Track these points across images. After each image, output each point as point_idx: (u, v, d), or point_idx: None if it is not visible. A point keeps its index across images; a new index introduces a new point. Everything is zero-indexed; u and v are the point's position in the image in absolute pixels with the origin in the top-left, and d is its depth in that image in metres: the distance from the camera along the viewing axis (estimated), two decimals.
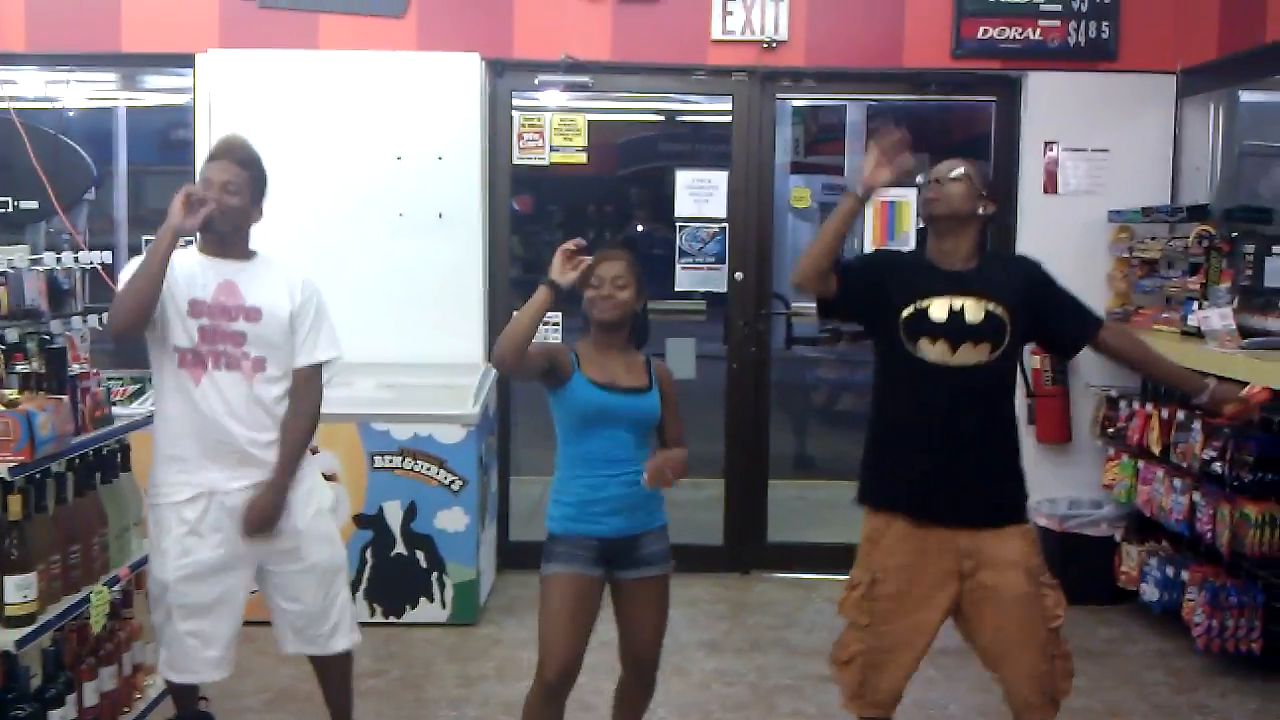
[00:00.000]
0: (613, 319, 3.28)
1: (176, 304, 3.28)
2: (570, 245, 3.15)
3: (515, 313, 3.12)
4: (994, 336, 3.15)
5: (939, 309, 3.15)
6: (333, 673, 3.65)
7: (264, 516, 3.33)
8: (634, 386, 3.29)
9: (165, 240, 3.16)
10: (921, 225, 6.13)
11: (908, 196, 6.06)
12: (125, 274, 3.30)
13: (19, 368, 3.38)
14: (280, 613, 3.52)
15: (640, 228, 9.92)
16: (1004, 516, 3.20)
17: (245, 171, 3.35)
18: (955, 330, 3.14)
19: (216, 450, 3.31)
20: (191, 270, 3.32)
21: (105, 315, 3.41)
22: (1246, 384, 3.34)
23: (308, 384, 3.47)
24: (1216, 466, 4.68)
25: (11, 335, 3.51)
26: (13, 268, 3.62)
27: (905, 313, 3.17)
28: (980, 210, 3.23)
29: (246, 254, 3.44)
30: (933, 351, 3.14)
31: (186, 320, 3.28)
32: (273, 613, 3.54)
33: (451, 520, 5.17)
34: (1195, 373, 3.40)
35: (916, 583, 3.19)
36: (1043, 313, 3.25)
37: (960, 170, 3.22)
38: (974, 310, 3.15)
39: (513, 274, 6.27)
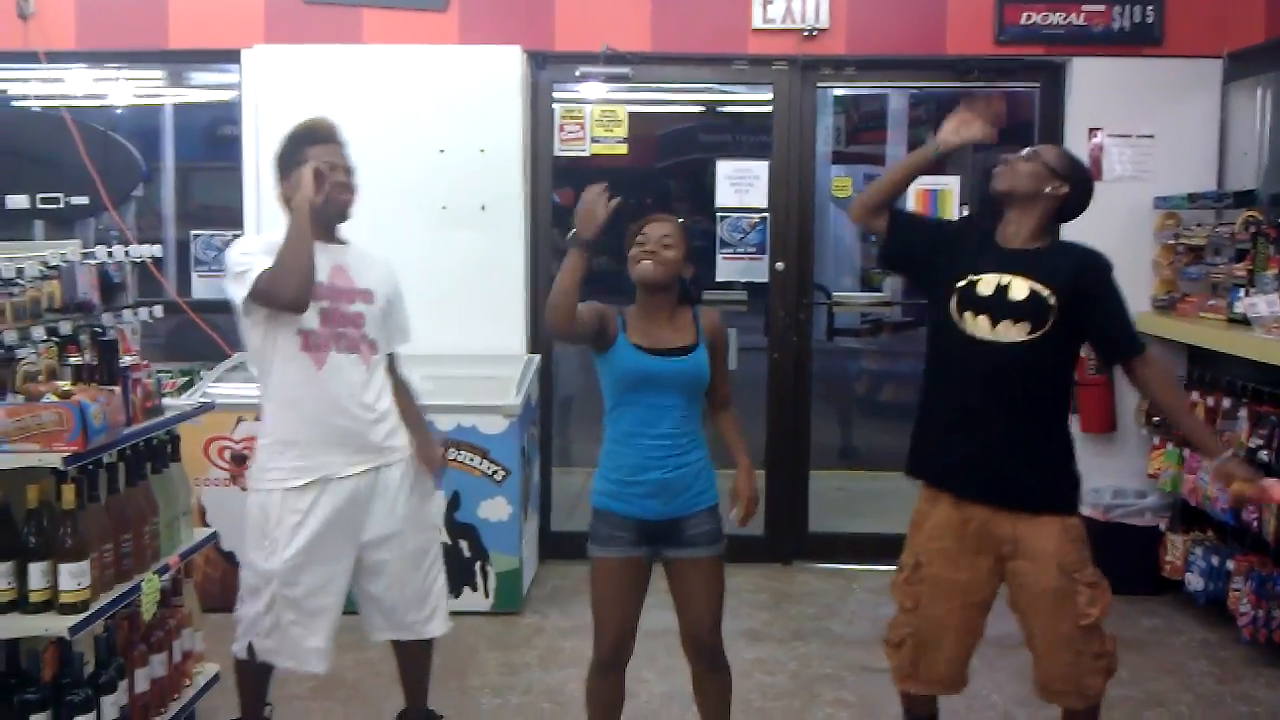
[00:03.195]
0: (658, 278, 3.22)
1: None
2: (595, 192, 3.07)
3: (555, 279, 3.10)
4: (1034, 317, 3.13)
5: (987, 284, 3.18)
6: (418, 660, 3.66)
7: (440, 463, 3.58)
8: (679, 347, 3.24)
9: (304, 212, 3.21)
10: (966, 212, 6.12)
11: (950, 185, 6.03)
12: (241, 255, 3.28)
13: (72, 360, 3.43)
14: (373, 600, 3.52)
15: (680, 218, 9.92)
16: (1039, 502, 3.18)
17: (347, 151, 3.40)
18: (998, 306, 3.16)
19: (338, 435, 3.34)
20: None
21: (263, 289, 3.24)
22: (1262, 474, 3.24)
23: (400, 363, 3.63)
24: (1263, 455, 4.62)
25: (65, 328, 3.57)
26: (66, 262, 3.69)
27: (959, 284, 3.20)
28: (1048, 189, 3.22)
29: (342, 239, 3.48)
30: (975, 325, 3.17)
31: (311, 302, 3.29)
32: (362, 600, 3.55)
33: (494, 510, 5.22)
34: (1216, 438, 3.35)
35: (959, 566, 3.23)
36: (1089, 312, 3.19)
37: (1031, 149, 3.25)
38: (1019, 288, 3.16)
39: (554, 265, 6.29)
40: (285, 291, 3.24)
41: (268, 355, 3.38)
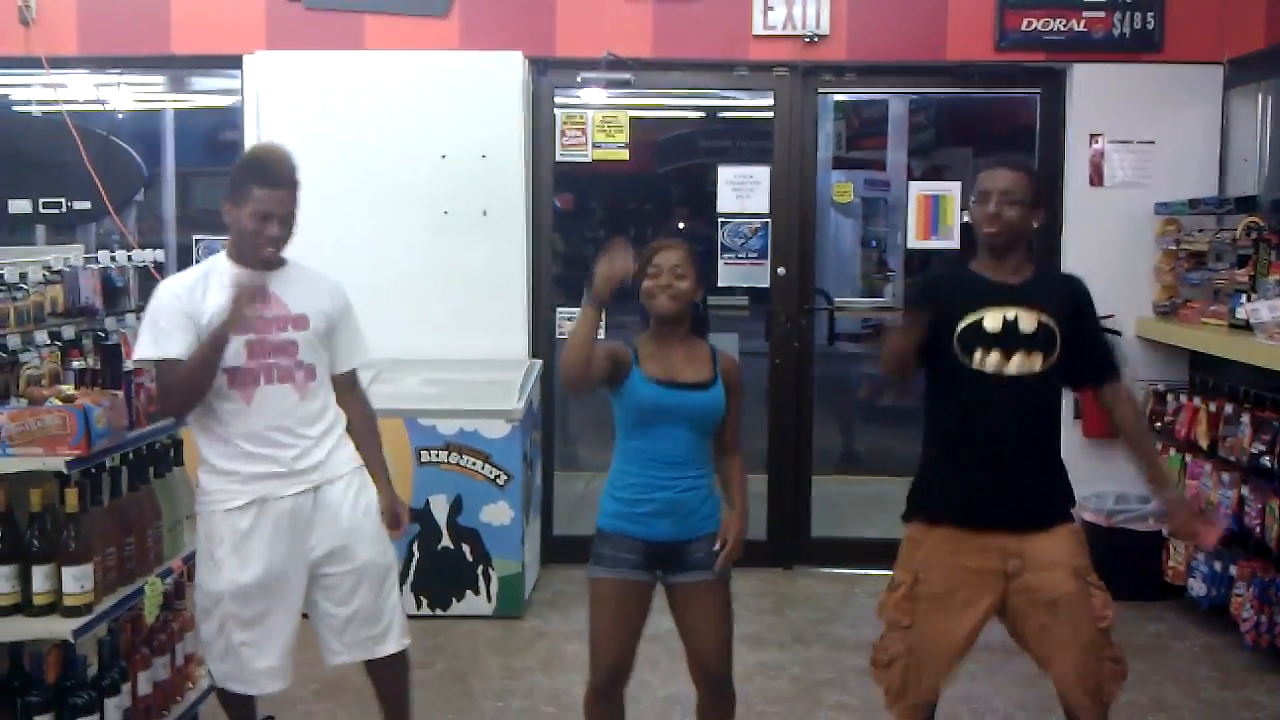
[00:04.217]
0: (673, 311, 3.18)
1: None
2: (614, 256, 2.96)
3: (568, 336, 3.05)
4: (1046, 347, 3.14)
5: (993, 320, 3.14)
6: (389, 676, 3.53)
7: (400, 515, 3.51)
8: (695, 381, 3.19)
9: (218, 338, 3.11)
10: (966, 220, 6.12)
11: (951, 191, 6.04)
12: (152, 316, 3.20)
13: (75, 364, 3.45)
14: (327, 620, 3.41)
15: (682, 224, 9.94)
16: (1052, 519, 3.20)
17: (295, 192, 3.28)
18: (1010, 339, 3.13)
19: (271, 463, 3.26)
20: (228, 283, 3.21)
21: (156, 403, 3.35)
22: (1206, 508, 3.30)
23: (355, 387, 3.54)
24: (1265, 460, 4.63)
25: (68, 332, 3.58)
26: (68, 266, 3.70)
27: (960, 326, 3.15)
28: (1035, 225, 3.24)
29: (279, 262, 3.35)
30: (988, 362, 3.13)
31: (233, 339, 3.18)
32: (318, 622, 3.44)
33: (497, 514, 5.22)
34: (1166, 475, 3.36)
35: (960, 583, 3.17)
36: (1079, 336, 3.21)
37: (1002, 191, 3.17)
38: (1027, 320, 3.14)
39: (555, 270, 6.30)
40: (169, 407, 3.30)
41: None
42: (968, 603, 3.18)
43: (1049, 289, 3.24)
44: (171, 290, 3.25)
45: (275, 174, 3.25)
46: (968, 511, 3.18)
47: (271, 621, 3.30)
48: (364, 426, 3.54)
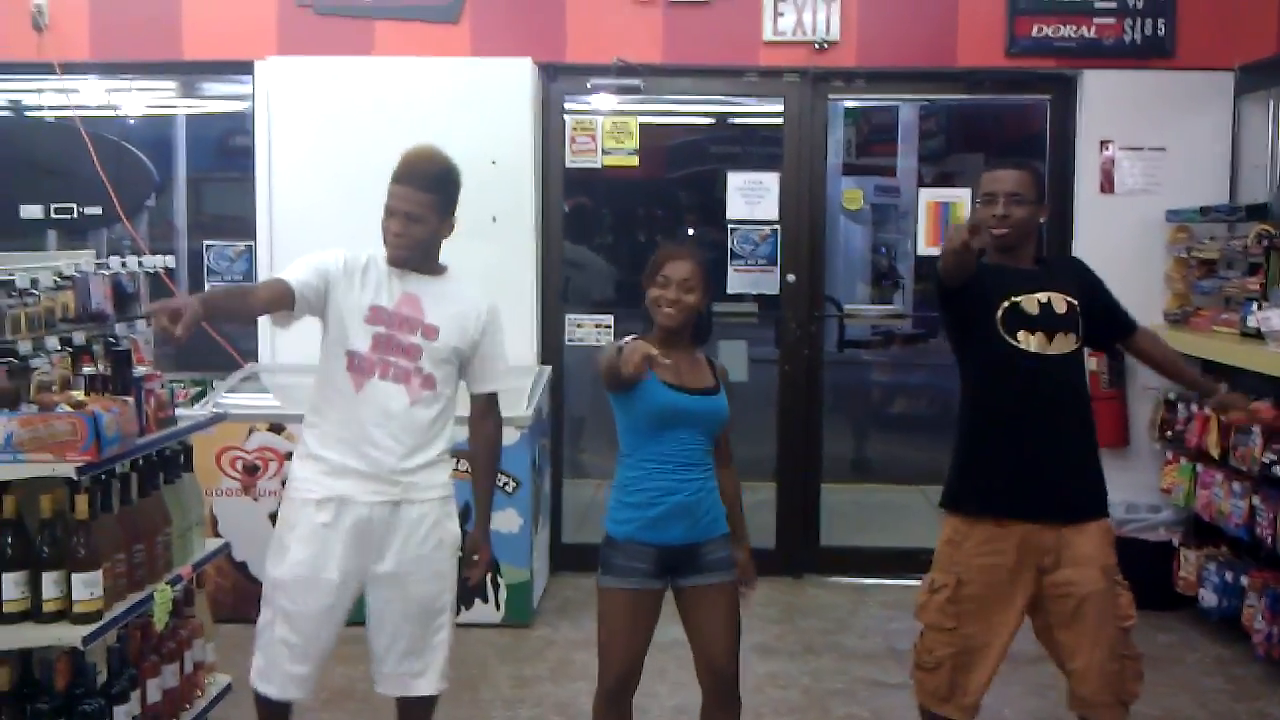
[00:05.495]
0: (678, 324, 3.21)
1: (359, 307, 3.24)
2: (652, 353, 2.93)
3: (606, 354, 3.09)
4: (1076, 327, 3.28)
5: (1030, 303, 3.25)
6: (416, 713, 3.46)
7: (482, 560, 3.49)
8: (704, 387, 3.23)
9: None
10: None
11: (962, 197, 6.03)
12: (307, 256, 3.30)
13: (86, 370, 3.45)
14: (372, 644, 3.38)
15: (691, 230, 9.93)
16: (1090, 510, 3.27)
17: (429, 194, 3.24)
18: (1048, 321, 3.24)
19: (362, 460, 3.24)
20: (380, 277, 3.28)
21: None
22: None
23: (488, 412, 3.46)
24: (1277, 470, 4.61)
25: (78, 338, 3.59)
26: (80, 272, 3.70)
27: (1001, 307, 3.24)
28: (1042, 219, 3.39)
29: (436, 270, 3.36)
30: (1032, 342, 3.23)
31: (363, 325, 3.23)
32: (369, 645, 3.41)
33: (505, 522, 5.21)
34: (1211, 378, 3.66)
35: (1000, 582, 3.24)
36: (1094, 307, 3.37)
37: (1019, 191, 3.26)
38: (1059, 302, 3.27)
39: (564, 278, 6.30)
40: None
41: (321, 366, 3.34)
42: (1008, 601, 3.24)
43: (1063, 272, 3.41)
44: (344, 253, 3.31)
45: (406, 170, 3.26)
46: (1010, 499, 3.22)
47: (315, 626, 3.28)
48: (485, 454, 3.48)
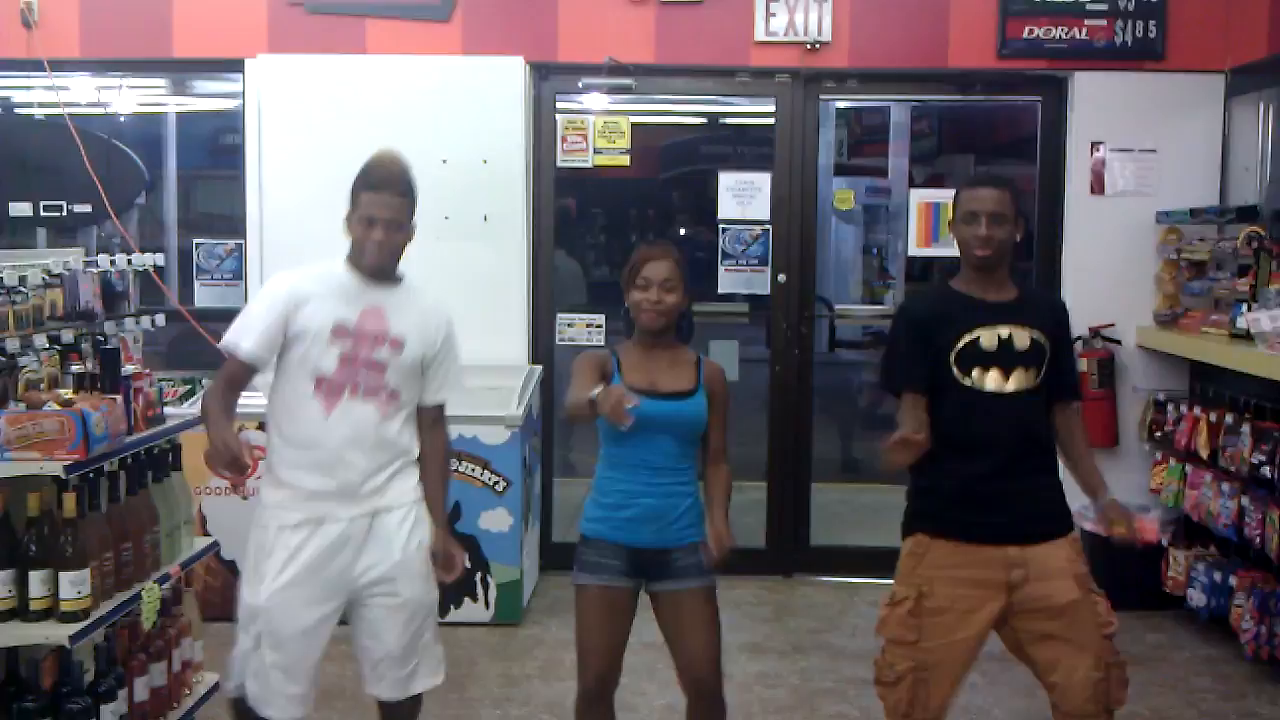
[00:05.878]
0: (659, 326, 3.22)
1: (321, 328, 3.16)
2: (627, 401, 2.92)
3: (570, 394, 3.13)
4: (1038, 363, 3.21)
5: (988, 338, 3.19)
6: (402, 710, 3.44)
7: (453, 559, 3.36)
8: (676, 390, 3.21)
9: (212, 439, 3.03)
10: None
11: (952, 197, 6.02)
12: (228, 334, 3.19)
13: (74, 368, 3.43)
14: (363, 651, 3.36)
15: (682, 230, 9.93)
16: (1053, 531, 3.22)
17: (406, 199, 3.25)
18: (1006, 357, 3.18)
19: (335, 482, 3.19)
20: (341, 291, 3.22)
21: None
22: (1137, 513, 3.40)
23: (439, 422, 3.42)
24: (1266, 471, 4.62)
25: (67, 336, 3.58)
26: (68, 270, 3.70)
27: (958, 346, 3.19)
28: (1019, 238, 3.29)
29: (395, 279, 3.33)
30: (987, 380, 3.18)
31: (328, 346, 3.16)
32: (356, 649, 3.38)
33: (495, 521, 5.21)
34: (1101, 483, 3.34)
35: (964, 596, 3.17)
36: (1056, 354, 3.29)
37: (1001, 211, 3.20)
38: (1021, 338, 3.20)
39: (555, 279, 6.29)
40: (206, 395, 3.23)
41: (279, 385, 3.26)
42: (972, 615, 3.17)
43: (1037, 307, 3.31)
44: (288, 281, 3.23)
45: (379, 177, 3.23)
46: (971, 527, 3.18)
47: (303, 645, 3.24)
48: (437, 461, 3.42)
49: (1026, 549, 3.16)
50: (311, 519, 3.20)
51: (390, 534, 3.27)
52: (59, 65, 5.88)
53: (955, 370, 3.18)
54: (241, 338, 3.16)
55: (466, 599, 5.22)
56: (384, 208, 3.20)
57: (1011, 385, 3.18)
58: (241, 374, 3.18)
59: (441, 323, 3.38)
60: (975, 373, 3.18)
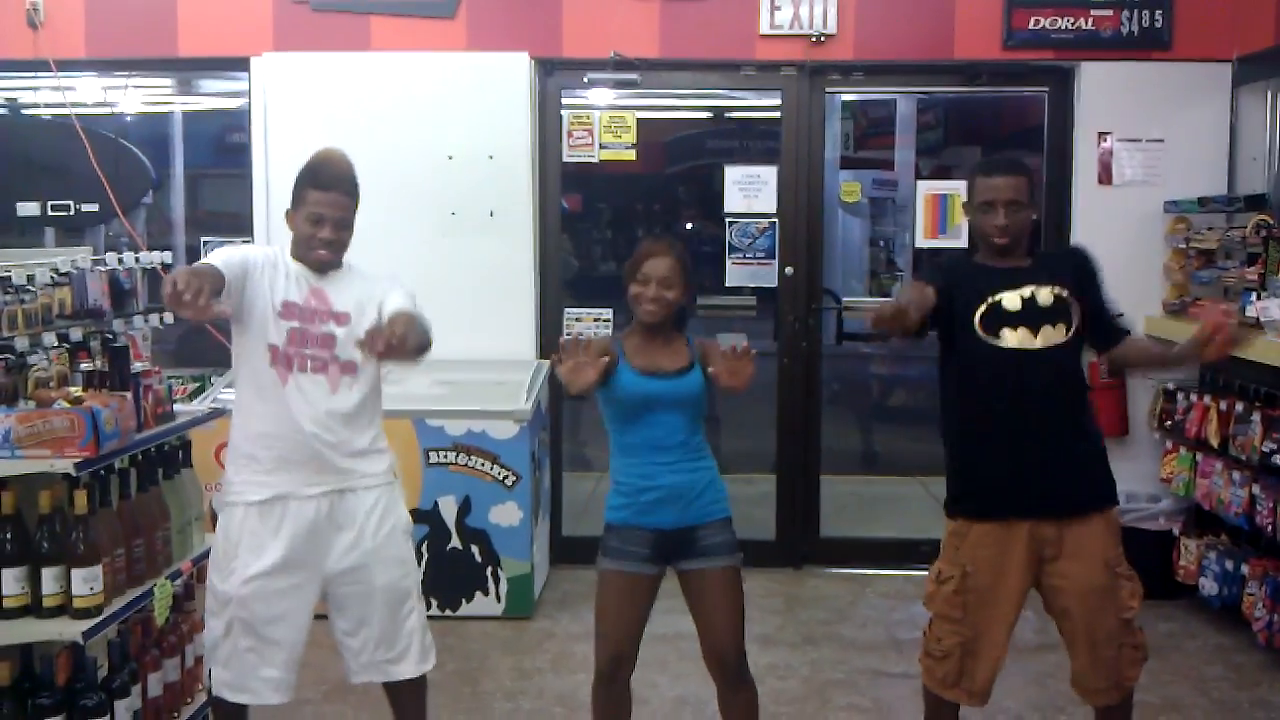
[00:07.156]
0: (658, 321, 3.30)
1: (273, 302, 3.22)
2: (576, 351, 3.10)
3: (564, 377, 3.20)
4: (1066, 317, 3.25)
5: (1011, 299, 3.24)
6: (407, 698, 3.48)
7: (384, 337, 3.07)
8: (676, 369, 3.29)
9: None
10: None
11: (959, 190, 6.01)
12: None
13: (83, 366, 3.45)
14: (342, 639, 3.38)
15: (689, 224, 9.93)
16: (1092, 502, 3.27)
17: (352, 199, 3.32)
18: (1032, 314, 3.23)
19: (297, 453, 3.23)
20: (289, 275, 3.28)
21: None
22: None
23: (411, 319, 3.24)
24: (1276, 459, 4.61)
25: (76, 334, 3.58)
26: (76, 268, 3.70)
27: (980, 310, 3.24)
28: (1034, 217, 3.36)
29: (335, 265, 3.36)
30: (1015, 338, 3.22)
31: (279, 321, 3.22)
32: (336, 637, 3.41)
33: (505, 515, 5.22)
34: (1173, 346, 3.43)
35: (1004, 573, 3.26)
36: (1090, 302, 3.32)
37: (1018, 198, 3.25)
38: (1044, 295, 3.24)
39: (562, 273, 6.29)
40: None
41: (240, 360, 3.31)
42: (1011, 591, 3.27)
43: (1056, 263, 3.37)
44: (261, 248, 3.34)
45: (327, 176, 3.29)
46: (1010, 501, 3.23)
47: (278, 631, 3.25)
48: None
49: (1063, 526, 3.23)
50: (278, 496, 3.22)
51: (364, 520, 3.30)
52: (65, 65, 5.89)
53: (981, 333, 3.22)
54: (211, 259, 3.20)
55: (477, 593, 5.23)
56: (332, 206, 3.27)
57: (1040, 342, 3.22)
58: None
59: (382, 279, 3.39)
60: (1004, 332, 3.22)
